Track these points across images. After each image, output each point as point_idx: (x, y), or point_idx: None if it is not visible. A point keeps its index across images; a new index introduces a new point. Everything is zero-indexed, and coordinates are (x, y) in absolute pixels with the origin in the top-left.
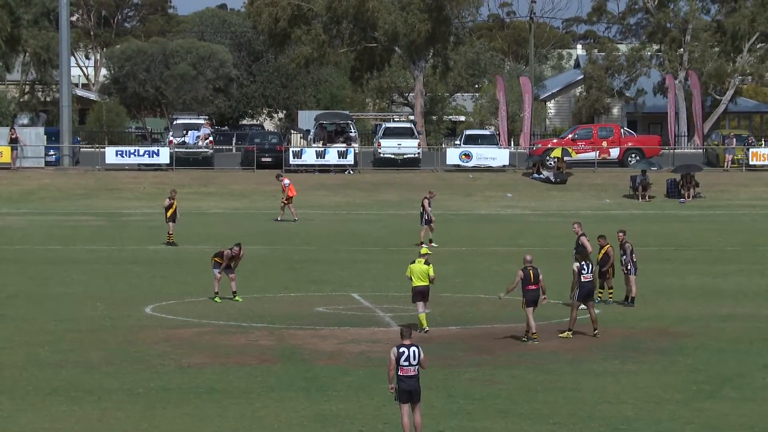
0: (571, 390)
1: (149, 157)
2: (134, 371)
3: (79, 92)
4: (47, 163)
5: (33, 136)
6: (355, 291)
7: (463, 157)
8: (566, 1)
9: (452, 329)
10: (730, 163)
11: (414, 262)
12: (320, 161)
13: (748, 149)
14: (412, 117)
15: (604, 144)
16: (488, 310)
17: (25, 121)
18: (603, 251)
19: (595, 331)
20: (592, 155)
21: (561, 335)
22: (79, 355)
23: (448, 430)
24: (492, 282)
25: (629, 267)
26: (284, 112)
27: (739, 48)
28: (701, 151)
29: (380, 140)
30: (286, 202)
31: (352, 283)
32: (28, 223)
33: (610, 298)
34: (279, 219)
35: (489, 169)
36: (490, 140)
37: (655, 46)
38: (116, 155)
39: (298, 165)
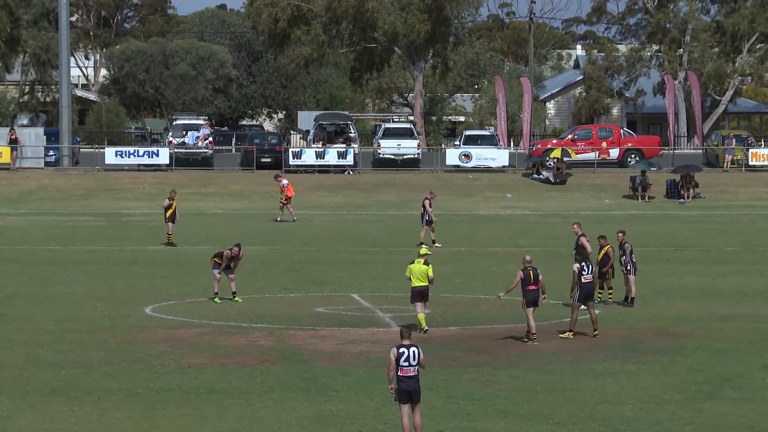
0: (571, 390)
1: (149, 157)
2: (134, 371)
3: (79, 93)
4: (47, 164)
5: (33, 137)
6: (354, 291)
7: (463, 157)
8: (566, 1)
9: (452, 330)
10: (729, 163)
11: (413, 262)
12: (320, 162)
13: (747, 150)
14: (411, 117)
15: (604, 144)
16: (488, 310)
17: (25, 121)
18: (603, 251)
19: (595, 332)
20: (591, 156)
21: (561, 336)
22: (79, 355)
23: (448, 430)
24: (492, 282)
25: (629, 267)
26: (284, 112)
27: (739, 48)
28: (701, 151)
29: (380, 141)
30: (284, 202)
31: (352, 284)
32: (27, 223)
33: (610, 298)
34: (278, 219)
35: (489, 170)
36: (490, 141)
37: (655, 47)
38: (116, 156)
39: (297, 165)
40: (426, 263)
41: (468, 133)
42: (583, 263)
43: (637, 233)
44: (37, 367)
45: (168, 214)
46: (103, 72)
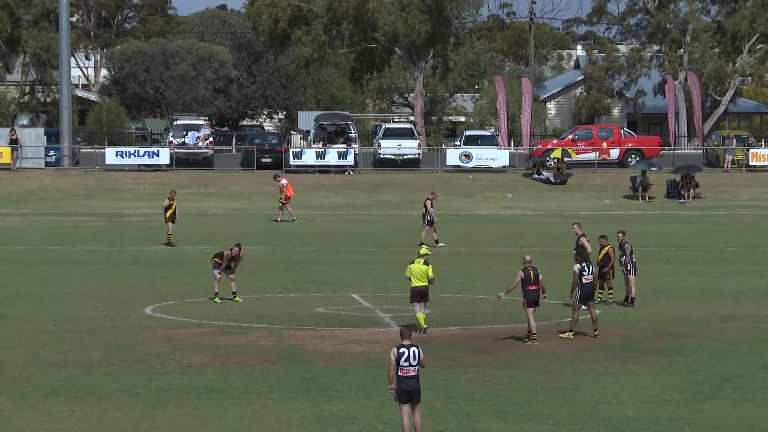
0: (571, 390)
1: (149, 157)
2: (134, 371)
3: (79, 93)
4: (47, 164)
5: (33, 137)
6: (355, 291)
7: (463, 157)
8: (566, 1)
9: (452, 330)
10: (730, 163)
11: (413, 262)
12: (320, 162)
13: (748, 150)
14: (412, 118)
15: (604, 145)
16: (488, 310)
17: (25, 121)
18: (604, 252)
19: (596, 332)
20: (592, 156)
21: (562, 336)
22: (79, 356)
23: (448, 430)
24: (492, 283)
25: (629, 267)
26: (284, 112)
27: (739, 49)
28: (701, 151)
29: (380, 141)
30: (284, 202)
31: (352, 284)
32: (28, 223)
33: (610, 298)
34: (278, 219)
35: (489, 170)
36: (490, 141)
37: (655, 47)
38: (116, 156)
39: (298, 166)
40: (426, 263)
41: (468, 133)
42: (584, 264)
43: (638, 233)
44: (37, 367)
45: (168, 215)
46: (104, 72)
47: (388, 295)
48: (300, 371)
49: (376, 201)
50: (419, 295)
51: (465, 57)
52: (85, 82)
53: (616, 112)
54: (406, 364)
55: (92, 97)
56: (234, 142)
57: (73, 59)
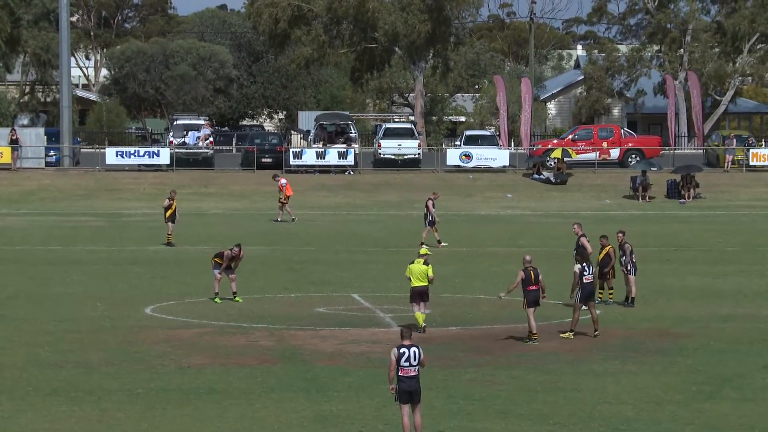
0: (571, 390)
1: (149, 157)
2: (134, 372)
3: (80, 93)
4: (47, 164)
5: (33, 137)
6: (355, 292)
7: (464, 157)
8: (566, 1)
9: (452, 330)
10: (730, 163)
11: (413, 262)
12: (320, 162)
13: (748, 150)
14: (412, 117)
15: (605, 144)
16: (488, 310)
17: (25, 121)
18: (604, 252)
19: (596, 332)
20: (592, 156)
21: (562, 336)
22: (79, 356)
23: (448, 430)
24: (492, 283)
25: (629, 267)
26: (284, 112)
27: (739, 49)
28: (701, 151)
29: (380, 141)
30: (284, 201)
31: (353, 284)
32: (28, 223)
33: (611, 298)
34: (278, 219)
35: (489, 170)
36: (491, 141)
37: (655, 47)
38: (116, 156)
39: (298, 165)
40: (426, 263)
41: (468, 133)
42: (584, 264)
43: (638, 233)
44: (37, 367)
45: (168, 214)
46: (104, 72)
47: (388, 295)
48: (300, 371)
49: (376, 201)
50: (419, 295)
51: (465, 57)
52: (85, 82)
53: (616, 112)
54: (407, 364)
55: (92, 97)
56: (234, 142)
57: (73, 59)
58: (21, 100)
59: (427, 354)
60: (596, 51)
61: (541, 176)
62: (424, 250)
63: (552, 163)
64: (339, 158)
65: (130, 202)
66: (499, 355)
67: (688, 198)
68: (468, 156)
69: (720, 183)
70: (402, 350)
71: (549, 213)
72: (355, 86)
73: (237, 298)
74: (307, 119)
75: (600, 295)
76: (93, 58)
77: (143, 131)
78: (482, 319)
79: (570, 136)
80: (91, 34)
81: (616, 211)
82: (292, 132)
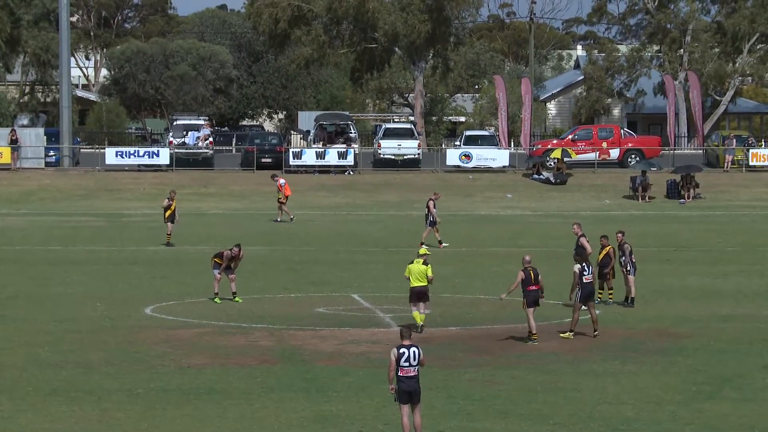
0: (571, 390)
1: (149, 157)
2: (134, 372)
3: (79, 93)
4: (47, 164)
5: (33, 137)
6: (355, 292)
7: (463, 157)
8: (566, 1)
9: (452, 330)
10: (730, 163)
11: (412, 262)
12: (320, 162)
13: (748, 150)
14: (412, 118)
15: (604, 145)
16: (488, 310)
17: (25, 121)
18: (604, 252)
19: (596, 332)
20: (592, 156)
21: (562, 335)
22: (79, 356)
23: (448, 430)
24: (492, 283)
25: (628, 268)
26: (284, 112)
27: (739, 49)
28: (701, 151)
29: (380, 141)
30: (283, 201)
31: (352, 284)
32: (28, 223)
33: (610, 298)
34: (278, 220)
35: (489, 170)
36: (490, 141)
37: (655, 47)
38: (116, 156)
39: (298, 166)
40: (425, 263)
41: (468, 133)
42: (584, 264)
43: (638, 233)
44: (37, 367)
45: (167, 215)
46: (104, 72)
47: (388, 296)
48: (300, 371)
49: (376, 201)
50: (418, 296)
51: (465, 57)
52: (85, 82)
53: (616, 112)
54: (407, 364)
55: (92, 97)
56: (234, 142)
57: (73, 59)
58: (21, 100)
59: (427, 354)
60: (596, 51)
61: (541, 176)
62: (423, 250)
63: (552, 163)
64: (339, 158)
65: (130, 202)
66: (499, 355)
67: (688, 198)
68: (468, 156)
69: (720, 183)
70: (402, 350)
71: (549, 213)
72: (355, 86)
73: (237, 299)
74: (307, 119)
75: (600, 296)
76: (93, 58)
77: (143, 131)
78: (482, 319)
79: (570, 137)
80: (91, 34)
81: (616, 211)
82: (292, 132)
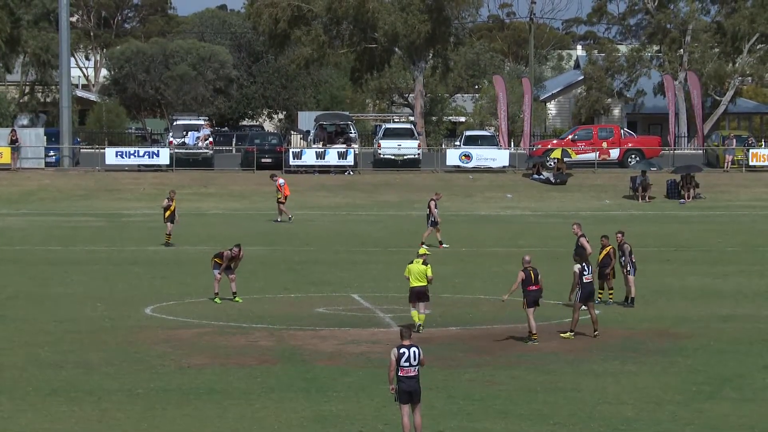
0: (571, 390)
1: (149, 158)
2: (134, 372)
3: (79, 93)
4: (47, 164)
5: (33, 137)
6: (355, 292)
7: (463, 158)
8: (566, 1)
9: (452, 330)
10: (730, 163)
11: (412, 262)
12: (320, 162)
13: (748, 150)
14: (412, 118)
15: (604, 145)
16: (488, 311)
17: (25, 121)
18: (605, 252)
19: (596, 332)
20: (592, 156)
21: (562, 336)
22: (79, 356)
23: (448, 430)
24: (492, 283)
25: (628, 268)
26: (284, 113)
27: (739, 49)
28: (701, 151)
29: (380, 141)
30: (282, 201)
31: (352, 284)
32: (28, 223)
33: (611, 298)
34: (278, 220)
35: (489, 170)
36: (490, 141)
37: (655, 47)
38: (116, 156)
39: (298, 166)
40: (425, 263)
41: (468, 133)
42: (584, 264)
43: (638, 233)
44: (37, 367)
45: (167, 215)
46: (104, 72)
47: (388, 296)
48: (300, 371)
49: (376, 201)
50: (418, 296)
51: (465, 57)
52: (85, 82)
53: (616, 112)
54: (407, 364)
55: (92, 97)
56: (234, 142)
57: (73, 59)
58: (21, 101)
59: (427, 354)
60: (596, 51)
61: (541, 176)
62: (423, 250)
63: (552, 164)
64: (339, 158)
65: (130, 202)
66: (499, 355)
67: (688, 198)
68: (468, 156)
69: (720, 183)
70: (402, 350)
71: (549, 213)
72: (355, 86)
73: (237, 299)
74: (307, 119)
75: (600, 296)
76: (93, 59)
77: (143, 131)
78: (482, 319)
79: (570, 137)
80: (91, 34)
81: (616, 211)
82: (292, 132)
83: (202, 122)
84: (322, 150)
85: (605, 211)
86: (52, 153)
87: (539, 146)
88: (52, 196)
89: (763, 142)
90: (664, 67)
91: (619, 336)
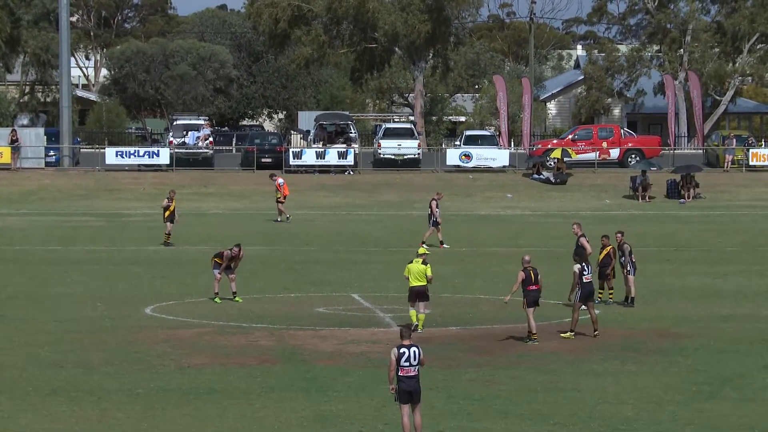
0: (571, 390)
1: (149, 157)
2: (134, 372)
3: (79, 93)
4: (47, 164)
5: (33, 137)
6: (355, 292)
7: (463, 157)
8: (566, 1)
9: (452, 330)
10: (730, 163)
11: (412, 262)
12: (320, 162)
13: (748, 150)
14: (412, 117)
15: (604, 144)
16: (488, 310)
17: (25, 121)
18: (605, 252)
19: (596, 332)
20: (592, 156)
21: (562, 335)
22: (79, 356)
23: (448, 430)
24: (492, 283)
25: (628, 268)
26: (284, 112)
27: (739, 49)
28: (701, 151)
29: (380, 141)
30: (282, 201)
31: (353, 284)
32: (28, 223)
33: (611, 298)
34: (278, 220)
35: (489, 170)
36: (490, 141)
37: (655, 47)
38: (116, 156)
39: (298, 165)
40: (424, 263)
41: (468, 133)
42: (584, 264)
43: (638, 233)
44: (37, 367)
45: (166, 215)
46: (104, 72)
47: (388, 295)
48: (300, 371)
49: (376, 201)
50: (417, 295)
51: (465, 57)
52: (85, 82)
53: (616, 112)
54: (407, 364)
55: (92, 97)
56: (234, 142)
57: (73, 59)
58: (21, 100)
59: (427, 354)
60: (596, 51)
61: (541, 176)
62: (422, 249)
63: (552, 163)
64: (339, 158)
65: (130, 202)
66: (499, 355)
67: (688, 198)
68: (468, 156)
69: (720, 183)
70: (402, 350)
71: (549, 213)
72: (355, 86)
73: (237, 298)
74: (307, 119)
75: (600, 295)
76: (93, 58)
77: (143, 131)
78: (482, 319)
79: (570, 136)
80: (91, 34)
81: (616, 211)
82: (292, 132)
83: (202, 122)
84: (322, 150)
85: (605, 210)
86: (52, 153)
87: (539, 146)
88: (52, 196)
89: (763, 142)
90: (664, 67)
91: (619, 336)
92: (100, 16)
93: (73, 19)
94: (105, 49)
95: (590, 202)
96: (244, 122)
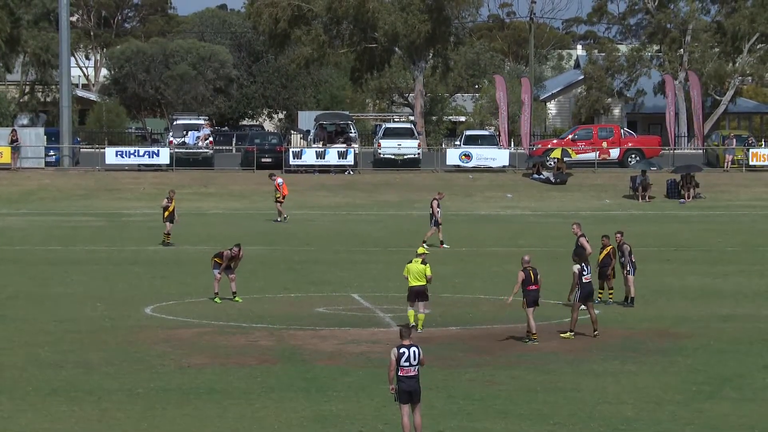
0: (571, 390)
1: (149, 157)
2: (134, 372)
3: (79, 93)
4: (47, 164)
5: (33, 137)
6: (355, 291)
7: (463, 157)
8: (566, 1)
9: (452, 330)
10: (730, 163)
11: (411, 261)
12: (320, 162)
13: (748, 150)
14: (412, 117)
15: (604, 144)
16: (488, 310)
17: (25, 121)
18: (605, 252)
19: (595, 332)
20: (592, 156)
21: (562, 336)
22: (79, 356)
23: (448, 430)
24: (492, 283)
25: (628, 268)
26: (284, 112)
27: (739, 48)
28: (701, 151)
29: (380, 141)
30: (281, 201)
31: (352, 284)
32: (28, 223)
33: (610, 298)
34: (278, 220)
35: (489, 170)
36: (490, 141)
37: (655, 47)
38: (116, 156)
39: (298, 165)
40: (424, 262)
41: (468, 133)
42: (583, 264)
43: (638, 233)
44: (37, 367)
45: (166, 215)
46: (104, 72)
47: (388, 295)
48: (300, 371)
49: (376, 201)
50: (417, 295)
51: (465, 57)
52: (85, 81)
53: (616, 112)
54: (407, 364)
55: (92, 97)
56: (234, 142)
57: (73, 59)
58: (21, 100)
59: (427, 354)
60: (596, 51)
61: (541, 176)
62: (422, 249)
63: (552, 163)
64: (339, 158)
65: (130, 202)
66: (499, 355)
67: (688, 198)
68: (468, 156)
69: (720, 183)
70: (402, 350)
71: (549, 213)
72: (355, 86)
73: (237, 298)
74: (307, 119)
75: (600, 295)
76: (93, 58)
77: (143, 131)
78: (482, 319)
79: (570, 136)
80: (91, 34)
81: (616, 211)
82: (292, 132)
83: (202, 122)
84: (322, 150)
85: (605, 210)
86: (52, 153)
87: (539, 146)
88: (52, 195)
89: (763, 142)
90: (664, 67)
91: (619, 336)
92: (100, 15)
93: (73, 18)
94: (105, 49)
95: (590, 202)
96: (244, 122)
